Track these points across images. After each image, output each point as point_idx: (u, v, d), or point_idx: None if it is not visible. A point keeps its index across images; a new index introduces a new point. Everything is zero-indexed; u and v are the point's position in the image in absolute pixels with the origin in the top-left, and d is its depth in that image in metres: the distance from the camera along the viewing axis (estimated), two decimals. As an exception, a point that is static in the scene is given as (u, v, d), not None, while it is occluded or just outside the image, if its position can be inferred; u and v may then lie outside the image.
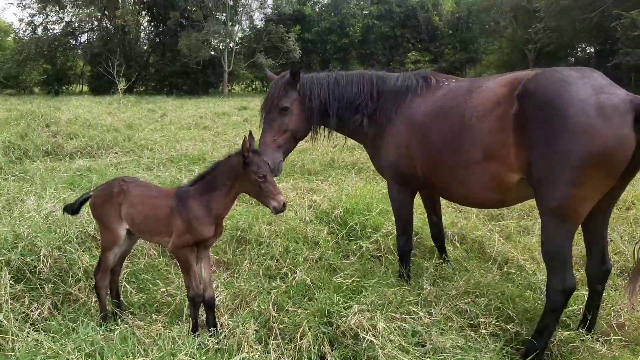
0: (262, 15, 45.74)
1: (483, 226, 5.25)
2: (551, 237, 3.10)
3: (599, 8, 30.44)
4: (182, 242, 3.13)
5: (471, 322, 3.27)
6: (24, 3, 38.71)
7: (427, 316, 3.20)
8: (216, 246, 4.74)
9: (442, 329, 3.05)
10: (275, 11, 44.52)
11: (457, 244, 4.84)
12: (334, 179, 7.90)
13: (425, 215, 4.78)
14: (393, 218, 4.40)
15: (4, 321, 3.07)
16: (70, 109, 17.78)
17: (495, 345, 2.98)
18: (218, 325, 3.30)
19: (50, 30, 40.01)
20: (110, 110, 19.45)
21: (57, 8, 39.82)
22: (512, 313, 3.40)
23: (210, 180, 3.22)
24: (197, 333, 3.18)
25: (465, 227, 5.09)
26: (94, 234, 4.41)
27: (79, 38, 41.70)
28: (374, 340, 2.77)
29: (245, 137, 3.08)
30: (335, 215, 5.51)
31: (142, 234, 3.35)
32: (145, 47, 44.92)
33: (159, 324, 3.30)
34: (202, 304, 3.27)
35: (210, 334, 3.19)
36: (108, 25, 40.60)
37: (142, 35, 45.00)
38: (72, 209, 3.46)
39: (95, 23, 40.29)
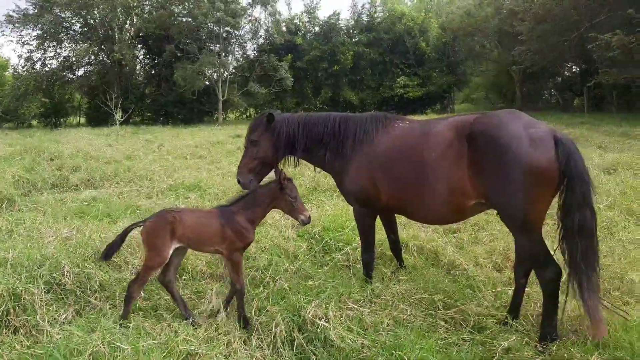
0: (255, 46, 47.17)
1: (439, 238, 6.09)
2: (527, 246, 3.89)
3: (576, 31, 31.81)
4: (234, 248, 4.17)
5: (406, 305, 4.12)
6: (22, 40, 40.04)
7: (368, 305, 4.04)
8: (209, 261, 5.54)
9: (381, 314, 3.89)
10: (268, 41, 45.93)
11: (415, 254, 5.67)
12: (317, 201, 8.72)
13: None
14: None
15: (40, 321, 3.87)
16: (71, 141, 18.66)
17: (423, 323, 3.82)
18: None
19: (48, 65, 41.23)
20: (109, 142, 20.36)
21: (55, 44, 41.13)
22: (441, 299, 4.25)
23: (251, 199, 4.34)
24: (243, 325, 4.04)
25: (423, 240, 5.93)
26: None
27: (76, 72, 42.91)
28: (326, 325, 3.60)
29: (281, 170, 4.32)
30: (314, 233, 6.33)
31: (196, 247, 4.29)
32: (141, 79, 46.18)
33: (163, 322, 4.09)
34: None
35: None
36: (105, 59, 41.82)
37: (138, 67, 46.26)
38: (116, 244, 4.22)
39: (93, 57, 41.48)
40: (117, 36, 40.19)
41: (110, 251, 4.20)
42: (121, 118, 29.42)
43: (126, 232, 4.24)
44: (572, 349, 3.57)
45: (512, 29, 37.97)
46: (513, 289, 4.32)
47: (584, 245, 3.72)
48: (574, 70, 44.36)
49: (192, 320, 4.13)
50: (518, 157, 3.68)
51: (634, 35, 25.44)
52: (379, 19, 48.48)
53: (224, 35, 41.98)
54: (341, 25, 48.68)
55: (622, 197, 7.78)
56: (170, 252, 4.13)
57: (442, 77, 47.08)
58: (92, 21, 40.50)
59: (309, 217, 4.27)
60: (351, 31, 49.07)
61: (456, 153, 4.06)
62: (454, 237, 6.37)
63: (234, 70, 45.73)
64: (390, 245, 5.39)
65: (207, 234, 4.18)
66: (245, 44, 46.40)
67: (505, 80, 46.84)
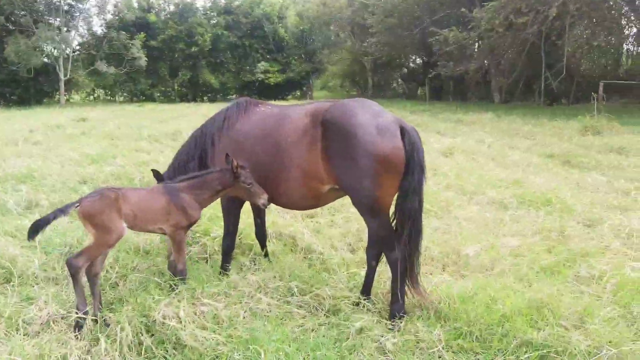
0: (103, 21, 43.33)
1: (298, 223, 6.15)
2: (376, 229, 4.05)
3: (419, 26, 34.67)
4: (179, 225, 4.08)
5: (263, 295, 4.08)
6: None
7: (224, 298, 3.92)
8: (45, 263, 4.91)
9: (237, 307, 3.79)
10: (117, 17, 42.55)
11: (274, 240, 5.64)
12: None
13: (249, 218, 5.50)
14: (222, 223, 5.07)
15: None
16: None
17: (279, 312, 3.82)
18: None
19: None
20: None
21: None
22: (297, 285, 4.31)
23: (200, 182, 4.19)
24: None
25: (281, 225, 5.93)
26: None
27: None
28: (177, 325, 3.39)
29: (232, 159, 4.09)
30: (169, 225, 5.96)
31: (140, 226, 4.04)
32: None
33: None
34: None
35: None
36: None
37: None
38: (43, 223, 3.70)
39: None
40: None
41: (36, 228, 3.70)
42: None
43: (60, 211, 3.74)
44: (417, 324, 3.82)
45: (364, 21, 40.05)
46: (365, 270, 4.50)
47: (412, 227, 4.02)
48: (418, 62, 48.33)
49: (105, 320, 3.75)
50: (365, 145, 3.81)
51: (467, 32, 28.53)
52: (237, 2, 47.64)
53: (65, 8, 37.87)
54: (197, 5, 46.93)
55: (458, 178, 8.63)
56: (123, 226, 3.85)
57: (300, 64, 48.07)
58: None
59: (268, 199, 4.27)
60: (208, 12, 47.56)
61: (311, 139, 4.10)
62: (312, 221, 6.49)
63: (78, 47, 41.61)
64: (256, 229, 5.30)
65: (152, 211, 4.03)
66: (90, 19, 42.38)
67: (358, 69, 49.39)
